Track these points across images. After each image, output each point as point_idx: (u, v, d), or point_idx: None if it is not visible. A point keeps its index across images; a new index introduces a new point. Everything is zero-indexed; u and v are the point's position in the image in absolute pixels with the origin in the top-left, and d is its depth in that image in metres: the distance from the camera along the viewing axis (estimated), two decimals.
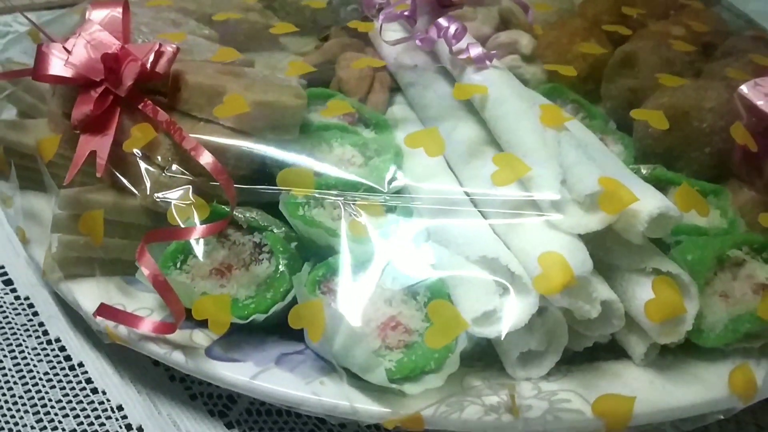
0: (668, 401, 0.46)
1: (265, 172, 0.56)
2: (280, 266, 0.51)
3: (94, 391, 0.53)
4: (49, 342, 0.57)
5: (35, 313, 0.59)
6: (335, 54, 0.75)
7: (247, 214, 0.53)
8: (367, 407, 0.44)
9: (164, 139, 0.53)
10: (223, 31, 0.75)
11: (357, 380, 0.45)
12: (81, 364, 0.55)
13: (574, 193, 0.47)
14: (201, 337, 0.49)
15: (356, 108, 0.67)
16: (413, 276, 0.48)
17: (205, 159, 0.49)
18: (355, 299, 0.47)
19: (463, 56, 0.58)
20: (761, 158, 0.56)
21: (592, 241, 0.50)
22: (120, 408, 0.52)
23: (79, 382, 0.53)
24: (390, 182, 0.54)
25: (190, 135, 0.52)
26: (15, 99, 0.66)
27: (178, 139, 0.51)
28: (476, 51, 0.57)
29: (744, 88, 0.58)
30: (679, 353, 0.49)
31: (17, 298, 0.60)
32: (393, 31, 0.72)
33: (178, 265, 0.52)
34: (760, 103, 0.57)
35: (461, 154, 0.57)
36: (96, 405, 0.52)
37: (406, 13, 0.63)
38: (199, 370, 0.47)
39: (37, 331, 0.58)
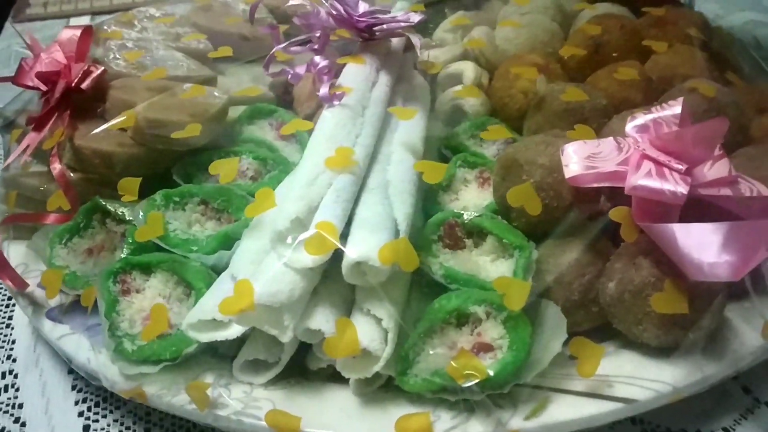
0: (335, 427, 0.51)
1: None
2: (122, 254, 0.64)
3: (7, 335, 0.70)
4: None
5: None
6: None
7: (119, 209, 0.66)
8: (113, 377, 0.55)
9: (68, 143, 0.68)
10: (222, 43, 0.88)
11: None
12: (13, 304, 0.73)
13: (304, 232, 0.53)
14: (54, 300, 0.64)
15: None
16: (190, 280, 0.58)
17: (54, 165, 0.63)
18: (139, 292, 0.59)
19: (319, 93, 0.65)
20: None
21: None
22: (13, 360, 0.66)
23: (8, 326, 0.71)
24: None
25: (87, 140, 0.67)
26: None
27: (61, 144, 0.65)
28: (324, 90, 0.63)
29: (567, 147, 0.58)
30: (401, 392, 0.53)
31: None
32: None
33: (63, 241, 0.66)
34: (567, 166, 0.56)
35: None
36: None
37: (316, 47, 0.71)
38: (34, 323, 0.62)
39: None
